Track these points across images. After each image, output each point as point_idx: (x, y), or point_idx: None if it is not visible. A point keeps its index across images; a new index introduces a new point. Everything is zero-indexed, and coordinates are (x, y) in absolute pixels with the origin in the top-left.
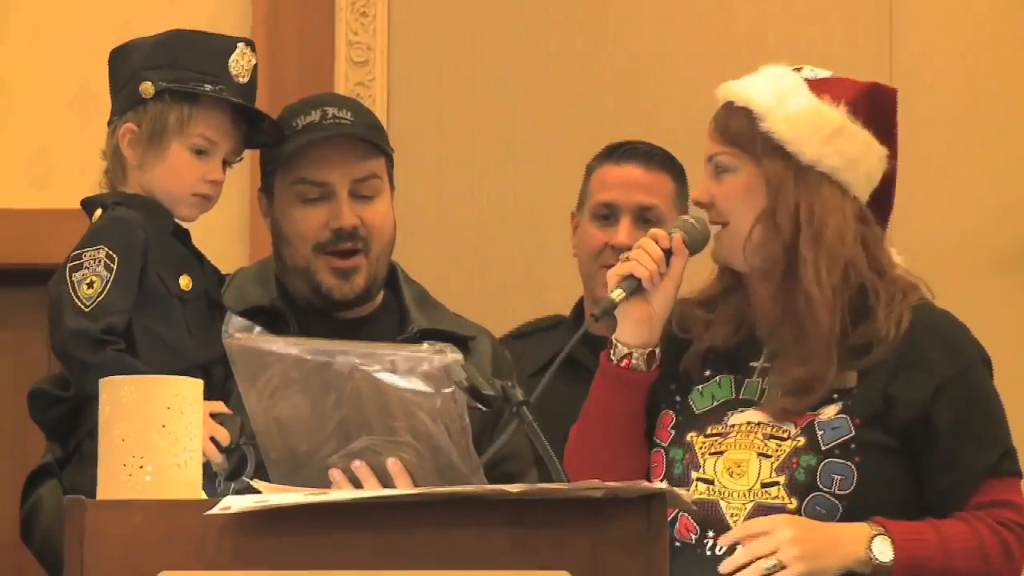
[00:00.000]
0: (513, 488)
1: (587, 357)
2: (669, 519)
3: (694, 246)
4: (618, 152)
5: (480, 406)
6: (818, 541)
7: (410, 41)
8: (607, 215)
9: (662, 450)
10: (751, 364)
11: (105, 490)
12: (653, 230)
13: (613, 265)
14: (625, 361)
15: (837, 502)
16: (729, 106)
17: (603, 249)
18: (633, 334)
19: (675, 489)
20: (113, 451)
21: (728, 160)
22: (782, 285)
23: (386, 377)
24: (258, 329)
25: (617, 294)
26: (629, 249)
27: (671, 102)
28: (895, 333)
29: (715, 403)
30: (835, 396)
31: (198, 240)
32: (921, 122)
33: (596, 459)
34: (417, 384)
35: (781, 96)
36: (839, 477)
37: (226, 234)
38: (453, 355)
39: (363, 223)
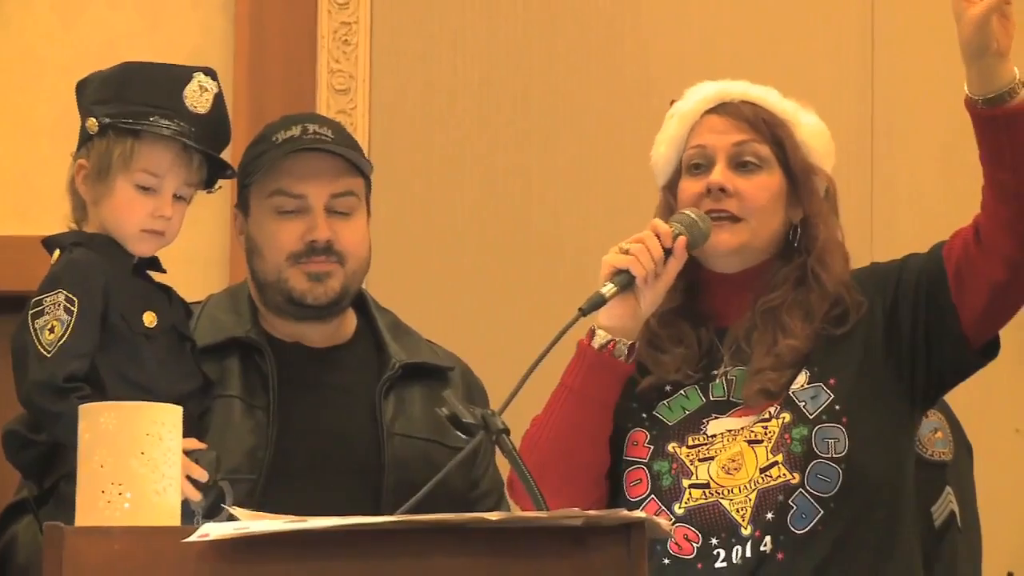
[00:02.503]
0: (492, 516)
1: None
2: None
3: (694, 248)
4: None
5: (461, 434)
6: None
7: (391, 69)
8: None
9: (643, 467)
10: (712, 372)
11: (84, 517)
12: (656, 223)
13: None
14: (610, 345)
15: (836, 467)
16: (748, 105)
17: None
18: (616, 323)
19: (654, 518)
20: (92, 478)
21: (764, 153)
22: (789, 290)
23: None
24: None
25: (608, 289)
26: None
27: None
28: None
29: (687, 413)
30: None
31: (176, 269)
32: (903, 142)
33: (575, 451)
34: None
35: (796, 109)
36: (832, 440)
37: (206, 262)
38: None
39: (337, 239)
